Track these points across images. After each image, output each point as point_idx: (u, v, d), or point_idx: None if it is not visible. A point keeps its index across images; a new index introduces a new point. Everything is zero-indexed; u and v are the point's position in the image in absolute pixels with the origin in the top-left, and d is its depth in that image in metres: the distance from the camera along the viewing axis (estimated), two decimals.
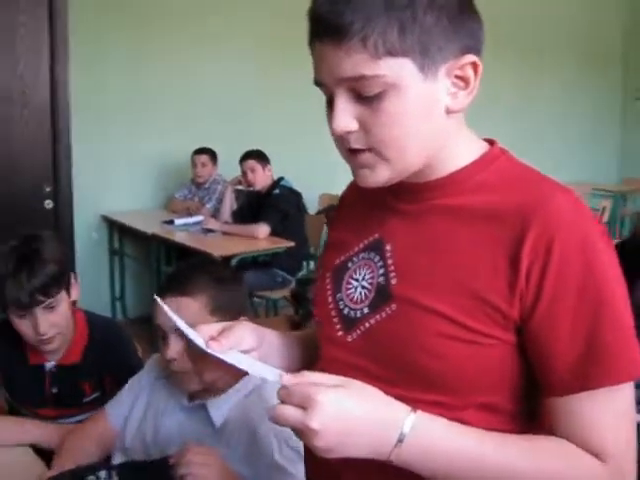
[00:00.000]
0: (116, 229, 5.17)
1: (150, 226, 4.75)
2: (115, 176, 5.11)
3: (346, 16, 0.86)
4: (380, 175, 0.95)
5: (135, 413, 1.77)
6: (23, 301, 1.87)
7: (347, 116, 0.91)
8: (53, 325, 1.92)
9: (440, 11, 0.88)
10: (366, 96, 0.89)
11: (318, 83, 0.94)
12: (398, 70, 0.88)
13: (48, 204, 4.87)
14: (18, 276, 1.85)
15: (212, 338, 1.00)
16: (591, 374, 0.88)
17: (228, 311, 1.59)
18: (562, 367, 0.89)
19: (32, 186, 4.80)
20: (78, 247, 5.00)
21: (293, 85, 4.77)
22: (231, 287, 1.66)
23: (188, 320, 1.60)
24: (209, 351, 0.98)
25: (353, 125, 0.92)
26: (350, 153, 0.95)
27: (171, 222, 4.78)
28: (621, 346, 0.89)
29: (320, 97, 0.97)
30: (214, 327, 1.04)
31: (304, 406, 0.84)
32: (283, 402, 0.85)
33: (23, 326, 1.92)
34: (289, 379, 0.88)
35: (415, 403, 0.91)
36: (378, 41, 0.86)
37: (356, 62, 0.87)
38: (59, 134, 4.81)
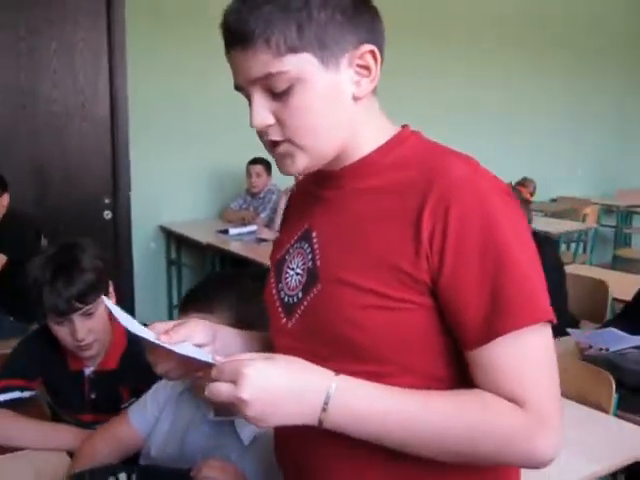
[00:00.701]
0: (173, 239, 5.25)
1: (205, 236, 4.81)
2: (172, 187, 5.19)
3: (250, 23, 0.96)
4: (299, 163, 1.03)
5: (161, 425, 1.76)
6: (60, 308, 1.90)
7: (263, 112, 1.01)
8: (91, 331, 1.95)
9: (334, 9, 0.98)
10: (277, 92, 0.99)
11: (237, 88, 1.04)
12: (301, 65, 0.97)
13: (107, 215, 5.00)
14: (55, 284, 1.89)
15: (165, 332, 1.09)
16: (497, 323, 0.94)
17: (252, 327, 1.56)
18: (472, 322, 0.95)
19: (92, 197, 4.94)
20: (136, 257, 5.11)
21: None
22: (256, 301, 1.61)
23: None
24: (157, 342, 1.06)
25: (270, 119, 1.01)
26: (271, 145, 1.03)
27: (226, 232, 4.83)
28: (523, 294, 0.94)
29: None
30: (167, 324, 1.12)
31: (234, 380, 0.91)
32: (216, 379, 0.93)
33: (61, 332, 1.95)
34: (221, 359, 0.97)
35: (352, 375, 0.96)
36: (280, 40, 0.96)
37: (263, 62, 0.97)
38: (118, 147, 4.94)
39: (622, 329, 2.56)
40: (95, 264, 1.96)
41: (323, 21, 0.97)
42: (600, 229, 6.98)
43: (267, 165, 5.15)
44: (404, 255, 0.98)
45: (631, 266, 6.20)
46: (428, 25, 6.11)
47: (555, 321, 0.96)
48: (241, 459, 1.54)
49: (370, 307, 0.99)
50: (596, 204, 6.66)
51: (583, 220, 6.18)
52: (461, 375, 1.01)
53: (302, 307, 1.09)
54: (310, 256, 1.09)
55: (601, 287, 3.45)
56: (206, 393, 0.93)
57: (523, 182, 5.80)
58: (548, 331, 0.98)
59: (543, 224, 5.33)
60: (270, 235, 4.67)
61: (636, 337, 2.55)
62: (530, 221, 3.12)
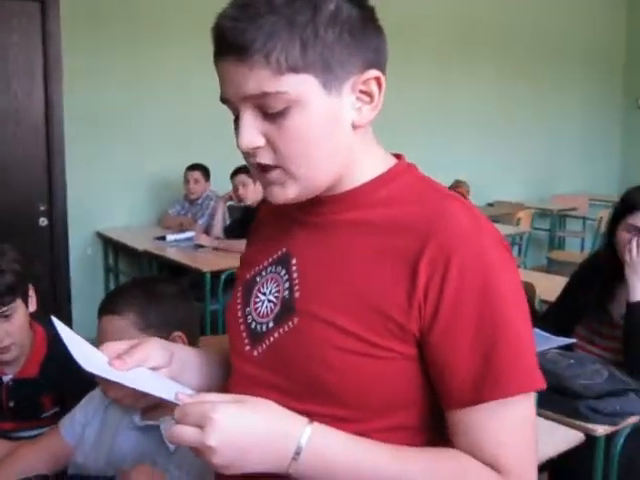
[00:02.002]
0: (111, 246, 5.20)
1: (143, 242, 4.78)
2: (109, 193, 5.14)
3: (249, 33, 0.86)
4: (289, 192, 0.95)
5: (89, 431, 1.76)
6: None
7: (253, 132, 0.91)
8: (8, 335, 1.92)
9: (342, 27, 0.89)
10: (271, 113, 0.90)
11: (224, 100, 0.94)
12: (301, 86, 0.89)
13: (43, 222, 4.93)
14: None
15: (118, 357, 1.00)
16: (485, 388, 0.89)
17: (162, 328, 1.58)
18: (459, 382, 0.91)
19: (26, 204, 4.87)
20: (73, 264, 5.05)
21: None
22: (165, 303, 1.65)
23: (116, 338, 1.62)
24: (109, 378, 0.97)
25: (259, 141, 0.92)
26: (260, 170, 0.95)
27: (163, 238, 4.81)
28: (516, 363, 0.90)
29: None
30: (121, 345, 1.04)
31: (200, 425, 0.84)
32: (179, 422, 0.86)
33: None
34: (185, 398, 0.89)
35: (319, 417, 0.91)
36: (281, 57, 0.87)
37: (259, 79, 0.87)
38: (53, 152, 4.87)
39: (546, 330, 2.63)
40: (12, 267, 1.94)
41: (330, 41, 0.89)
42: (535, 232, 7.16)
43: (205, 171, 5.14)
44: (395, 302, 0.91)
45: (564, 268, 6.35)
46: None
47: (545, 388, 0.92)
48: (167, 464, 1.55)
49: (350, 352, 0.92)
50: (530, 208, 6.81)
51: (517, 224, 6.33)
52: (433, 426, 0.97)
53: (272, 338, 1.00)
54: (287, 284, 1.01)
55: (529, 289, 3.53)
56: (166, 435, 0.88)
57: (457, 185, 5.89)
58: (533, 399, 0.94)
59: None
60: (207, 241, 4.66)
61: (559, 338, 2.62)
62: None
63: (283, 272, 1.02)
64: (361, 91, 0.94)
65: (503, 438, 0.91)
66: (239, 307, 1.08)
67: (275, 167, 0.93)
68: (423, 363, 0.93)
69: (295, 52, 0.87)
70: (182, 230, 4.97)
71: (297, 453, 0.87)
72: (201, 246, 4.62)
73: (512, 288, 0.93)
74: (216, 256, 4.47)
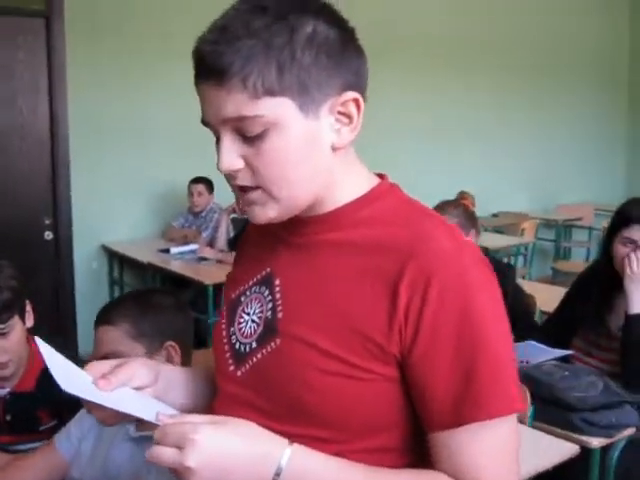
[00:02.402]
0: (116, 259, 5.23)
1: (147, 255, 4.81)
2: (114, 206, 5.18)
3: (226, 57, 0.87)
4: (269, 212, 0.96)
5: (85, 445, 1.78)
6: None
7: (232, 155, 0.92)
8: (5, 352, 1.94)
9: (319, 49, 0.90)
10: (250, 136, 0.90)
11: (205, 123, 0.95)
12: (278, 109, 0.89)
13: (48, 235, 4.97)
14: None
15: (102, 377, 1.01)
16: (466, 410, 0.90)
17: (155, 337, 1.63)
18: (439, 403, 0.91)
19: (31, 218, 4.91)
20: (78, 277, 5.08)
21: None
22: (159, 314, 1.69)
23: (110, 347, 1.64)
24: (91, 400, 0.97)
25: (239, 164, 0.93)
26: (240, 190, 0.96)
27: (167, 251, 4.84)
28: (496, 384, 0.90)
29: None
30: (105, 365, 1.05)
31: (180, 446, 0.84)
32: (159, 443, 0.86)
33: None
34: (165, 419, 0.90)
35: (299, 438, 0.91)
36: (257, 81, 0.87)
37: (237, 102, 0.88)
38: (58, 166, 4.92)
39: (544, 341, 2.64)
40: (9, 284, 1.95)
41: (307, 63, 0.89)
42: (541, 243, 7.16)
43: (209, 184, 5.18)
44: (376, 324, 0.91)
45: (570, 279, 6.32)
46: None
47: (524, 411, 0.95)
48: (161, 476, 1.57)
49: (331, 373, 0.92)
50: (534, 219, 6.81)
51: (521, 234, 6.33)
52: (415, 449, 0.97)
53: (255, 359, 1.00)
54: (270, 305, 1.01)
55: (530, 300, 3.54)
56: (146, 455, 0.87)
57: (461, 196, 5.89)
58: (514, 419, 0.94)
59: (482, 239, 5.45)
60: (212, 254, 4.69)
61: (556, 350, 2.63)
62: (479, 232, 3.20)
63: (267, 292, 1.03)
64: (340, 112, 0.94)
65: (483, 461, 0.91)
66: (224, 327, 1.08)
67: (256, 188, 0.94)
68: (405, 385, 0.94)
69: (271, 76, 0.88)
70: (186, 243, 5.00)
71: (277, 474, 0.87)
72: (205, 259, 4.66)
73: (492, 307, 0.93)
74: (219, 268, 4.48)
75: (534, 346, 2.60)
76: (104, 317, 1.67)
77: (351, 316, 0.93)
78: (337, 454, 0.92)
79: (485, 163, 7.20)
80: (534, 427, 2.26)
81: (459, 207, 3.27)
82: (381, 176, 1.06)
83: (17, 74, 4.74)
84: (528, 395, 2.27)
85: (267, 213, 0.96)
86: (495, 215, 7.10)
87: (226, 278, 1.18)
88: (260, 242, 1.10)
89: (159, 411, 0.94)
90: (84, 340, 4.48)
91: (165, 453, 0.85)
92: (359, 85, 0.95)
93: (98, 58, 4.90)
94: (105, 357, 1.59)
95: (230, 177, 0.95)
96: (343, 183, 1.00)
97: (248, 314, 1.04)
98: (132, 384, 1.04)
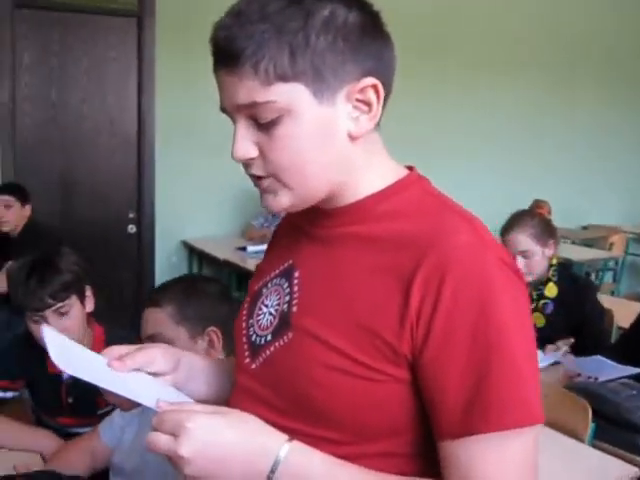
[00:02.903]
0: (195, 254, 5.33)
1: (225, 252, 4.87)
2: (196, 203, 5.28)
3: (238, 42, 0.85)
4: (282, 201, 0.93)
5: (128, 432, 1.81)
6: (34, 305, 2.00)
7: (246, 143, 0.90)
8: (65, 330, 2.01)
9: (336, 33, 0.86)
10: (263, 122, 0.88)
11: (223, 110, 0.94)
12: (291, 95, 0.86)
13: (131, 229, 5.11)
14: (29, 282, 2.00)
15: (119, 358, 0.99)
16: (477, 419, 0.84)
17: (197, 322, 1.65)
18: (448, 410, 0.85)
19: (117, 211, 5.07)
20: (158, 271, 5.21)
21: None
22: (204, 299, 1.72)
23: (155, 329, 1.67)
24: (97, 384, 0.95)
25: (252, 152, 0.91)
26: (255, 178, 0.94)
27: (244, 249, 4.89)
28: (512, 392, 0.84)
29: None
30: (124, 348, 1.03)
31: (175, 433, 0.82)
32: (156, 430, 0.84)
33: (38, 331, 2.03)
34: (165, 406, 0.88)
35: (306, 438, 0.88)
36: (269, 66, 0.85)
37: (249, 89, 0.86)
38: (144, 163, 5.05)
39: (616, 358, 2.52)
40: (70, 267, 2.05)
41: (321, 48, 0.86)
42: (633, 259, 6.86)
43: None
44: (387, 322, 0.87)
45: None
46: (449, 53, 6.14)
47: (543, 422, 0.86)
48: None
49: (339, 370, 0.89)
50: (625, 232, 6.53)
51: (609, 248, 6.07)
52: (426, 456, 0.91)
53: (268, 352, 0.98)
54: (287, 298, 0.98)
55: (607, 315, 3.39)
56: (145, 442, 0.85)
57: (537, 205, 5.68)
58: (534, 433, 0.86)
59: (568, 251, 5.28)
60: None
61: (627, 367, 2.51)
62: (557, 243, 3.10)
63: (286, 285, 1.00)
64: (358, 100, 0.90)
65: (497, 475, 0.84)
66: (244, 318, 1.07)
67: (268, 176, 0.92)
68: (417, 388, 0.88)
69: (284, 61, 0.85)
70: (264, 242, 5.04)
71: (273, 470, 0.84)
72: None
73: (514, 312, 0.86)
74: None
75: (603, 362, 2.49)
76: (152, 299, 1.72)
77: (363, 313, 0.89)
78: (345, 457, 0.89)
79: (576, 173, 6.97)
80: (594, 446, 2.16)
81: (535, 217, 3.17)
82: (410, 168, 1.01)
83: (108, 72, 4.90)
84: (590, 412, 2.18)
85: (280, 202, 0.93)
86: (585, 227, 6.86)
87: (255, 269, 1.17)
88: (289, 234, 1.08)
89: (162, 398, 0.92)
90: None
91: (160, 440, 0.83)
92: (381, 72, 0.90)
93: (187, 58, 5.00)
94: (150, 338, 1.63)
95: (245, 165, 0.93)
96: (365, 174, 0.96)
97: (267, 306, 1.02)
98: (149, 369, 1.02)
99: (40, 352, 2.11)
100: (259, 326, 1.02)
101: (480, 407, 0.83)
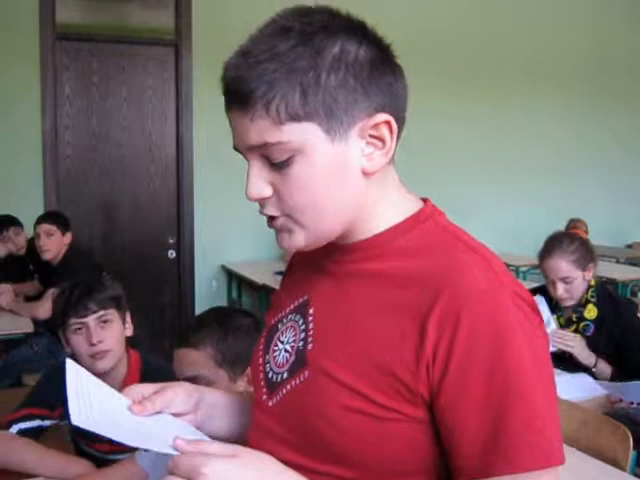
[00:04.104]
0: (235, 279, 5.36)
1: (263, 276, 4.89)
2: (235, 228, 5.33)
3: (249, 82, 0.84)
4: (297, 240, 0.92)
5: (163, 458, 1.82)
6: (77, 311, 2.07)
7: (260, 183, 0.89)
8: (106, 339, 2.08)
9: (347, 70, 0.85)
10: (276, 162, 0.87)
11: (236, 149, 0.93)
12: (303, 135, 0.85)
13: (171, 254, 5.17)
14: (74, 292, 2.10)
15: (139, 401, 0.99)
16: (495, 461, 0.82)
17: (236, 363, 1.61)
18: (466, 451, 0.84)
19: (158, 237, 5.14)
20: (198, 295, 5.25)
21: None
22: (238, 336, 1.67)
23: (195, 371, 1.62)
24: (95, 431, 0.90)
25: (266, 192, 0.90)
26: (269, 217, 0.93)
27: (281, 273, 4.89)
28: (529, 434, 0.82)
29: None
30: (146, 388, 1.02)
31: (190, 478, 0.82)
32: (171, 473, 0.84)
33: (78, 342, 2.09)
34: (181, 445, 0.87)
35: (322, 476, 0.88)
36: (280, 106, 0.84)
37: (260, 129, 0.85)
38: (183, 189, 5.13)
39: None
40: (113, 286, 2.14)
41: (333, 86, 0.85)
42: None
43: None
44: (403, 361, 0.85)
45: None
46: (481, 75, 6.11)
47: (563, 463, 0.83)
48: None
49: (355, 411, 0.87)
50: None
51: None
52: None
53: (285, 390, 0.97)
54: (302, 335, 0.97)
55: None
56: None
57: (573, 224, 5.58)
58: (554, 474, 0.84)
59: (612, 271, 5.19)
60: None
61: None
62: (594, 260, 3.01)
63: (301, 321, 0.99)
64: (371, 136, 0.89)
65: None
66: (261, 354, 1.06)
67: (282, 215, 0.91)
68: (434, 427, 0.87)
69: (295, 100, 0.84)
70: None
71: None
72: None
73: (529, 351, 0.83)
74: None
75: None
76: (187, 339, 1.66)
77: (378, 352, 0.87)
78: None
79: (618, 191, 6.86)
80: (637, 475, 2.10)
81: (575, 240, 3.04)
82: (425, 200, 1.00)
83: (147, 100, 5.00)
84: (630, 439, 2.12)
85: (294, 241, 0.92)
86: (629, 246, 6.73)
87: (271, 301, 1.15)
88: (304, 268, 1.06)
89: (173, 439, 0.90)
90: None
91: None
92: (394, 106, 0.90)
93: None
94: (189, 380, 1.61)
95: (260, 205, 0.92)
96: (380, 209, 0.94)
97: (282, 342, 1.00)
98: (170, 410, 1.02)
99: None
100: (275, 363, 1.01)
101: (497, 449, 0.82)
